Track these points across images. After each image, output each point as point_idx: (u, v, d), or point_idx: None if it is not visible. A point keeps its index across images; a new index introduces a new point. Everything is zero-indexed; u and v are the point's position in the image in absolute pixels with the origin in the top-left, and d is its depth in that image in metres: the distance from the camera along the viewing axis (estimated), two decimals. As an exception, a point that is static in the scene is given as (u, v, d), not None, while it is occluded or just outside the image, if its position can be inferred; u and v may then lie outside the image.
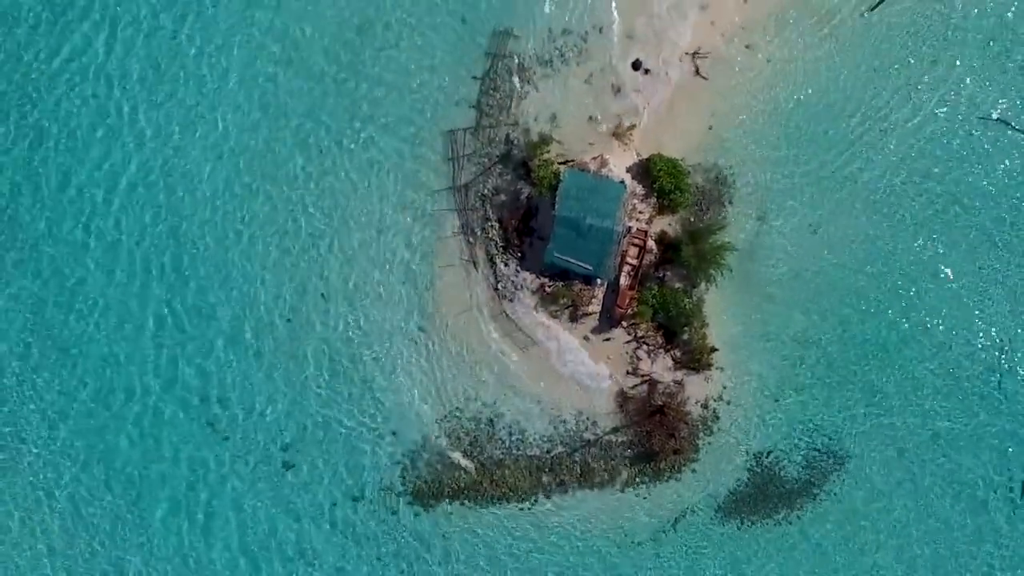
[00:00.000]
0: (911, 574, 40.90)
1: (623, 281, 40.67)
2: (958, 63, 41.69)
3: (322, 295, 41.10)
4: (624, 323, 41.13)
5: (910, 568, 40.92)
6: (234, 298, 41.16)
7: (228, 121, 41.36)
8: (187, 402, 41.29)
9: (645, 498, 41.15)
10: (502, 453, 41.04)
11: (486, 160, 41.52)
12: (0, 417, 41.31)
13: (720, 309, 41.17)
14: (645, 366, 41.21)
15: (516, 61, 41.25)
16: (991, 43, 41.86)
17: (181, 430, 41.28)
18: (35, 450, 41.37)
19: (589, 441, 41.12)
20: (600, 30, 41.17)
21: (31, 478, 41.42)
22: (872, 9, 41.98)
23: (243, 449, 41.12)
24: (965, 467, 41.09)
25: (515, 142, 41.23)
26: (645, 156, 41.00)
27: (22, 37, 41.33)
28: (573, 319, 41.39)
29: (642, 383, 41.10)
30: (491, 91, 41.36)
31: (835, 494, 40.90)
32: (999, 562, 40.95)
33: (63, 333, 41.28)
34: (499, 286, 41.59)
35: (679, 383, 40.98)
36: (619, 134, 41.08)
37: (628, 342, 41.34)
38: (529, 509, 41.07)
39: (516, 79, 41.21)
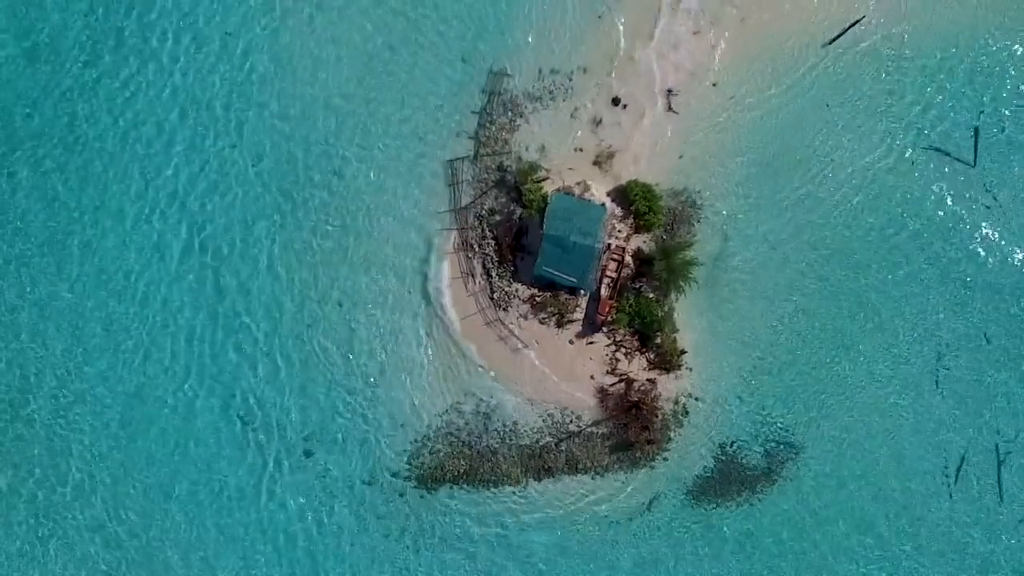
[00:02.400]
0: (850, 551, 45.30)
1: (603, 292, 44.68)
2: (904, 98, 46.09)
3: (339, 303, 45.62)
4: (604, 329, 45.19)
5: (855, 547, 45.37)
6: (264, 306, 45.50)
7: (256, 143, 46.01)
8: (220, 398, 45.54)
9: (623, 483, 45.42)
10: (497, 443, 45.19)
11: (483, 185, 45.62)
12: (46, 400, 45.89)
13: (689, 316, 45.33)
14: (623, 366, 45.30)
15: (510, 97, 45.45)
16: (937, 75, 46.19)
17: (214, 423, 45.55)
18: (76, 434, 45.84)
19: (573, 432, 45.28)
20: (584, 70, 45.51)
21: (77, 464, 45.82)
22: (831, 43, 46.17)
23: (268, 439, 45.38)
24: (904, 453, 45.40)
25: (508, 169, 45.31)
26: (623, 182, 44.95)
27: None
28: (559, 325, 45.31)
29: (620, 381, 45.08)
30: (488, 124, 45.54)
31: (789, 479, 45.36)
32: (935, 541, 45.48)
33: (111, 330, 45.78)
34: (494, 296, 45.59)
35: (652, 381, 44.97)
36: (600, 162, 45.22)
37: (608, 345, 45.44)
38: (520, 492, 45.29)
39: (509, 113, 45.49)
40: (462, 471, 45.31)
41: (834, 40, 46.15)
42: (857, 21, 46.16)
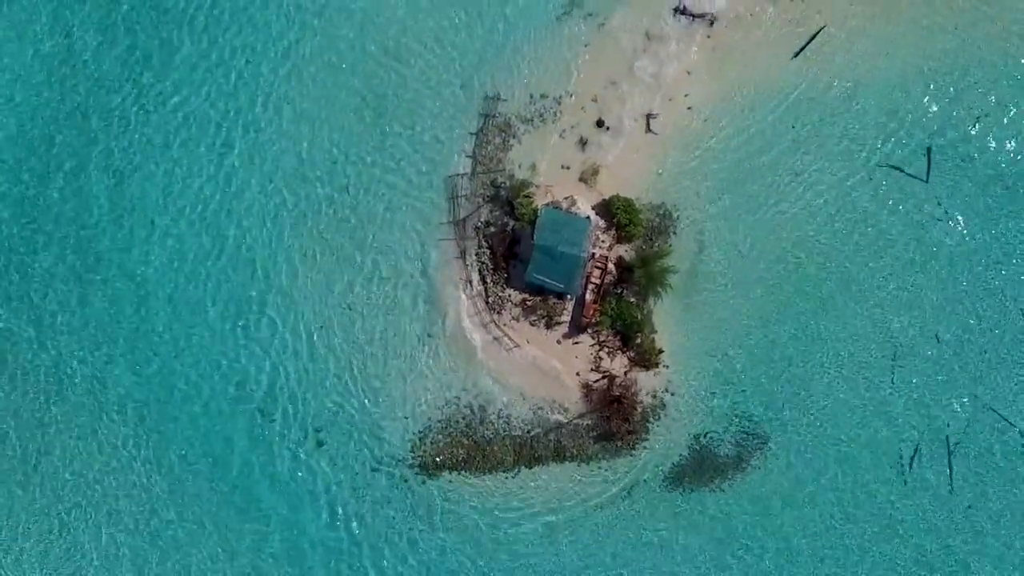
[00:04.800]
0: (815, 533, 49.24)
1: (588, 296, 48.30)
2: (863, 117, 49.98)
3: (348, 307, 49.69)
4: (589, 330, 48.89)
5: (818, 530, 49.32)
6: (282, 309, 49.58)
7: (274, 159, 50.35)
8: (242, 393, 49.59)
9: (606, 470, 49.19)
10: (492, 434, 49.00)
11: (479, 199, 49.43)
12: (81, 398, 50.21)
13: (666, 319, 49.10)
14: (605, 364, 48.99)
15: (504, 120, 49.46)
16: (893, 97, 50.10)
17: (236, 415, 49.54)
18: (106, 430, 50.05)
19: (561, 424, 48.95)
20: (572, 95, 49.47)
21: (103, 458, 49.96)
22: (796, 55, 49.94)
23: (285, 430, 49.40)
24: (863, 443, 49.28)
25: (502, 185, 49.09)
26: (606, 196, 48.62)
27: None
28: (548, 327, 49.03)
29: (603, 378, 48.75)
30: (484, 144, 49.37)
31: (758, 467, 49.25)
32: (894, 522, 49.32)
33: (139, 333, 50.05)
34: (489, 300, 49.31)
35: (633, 378, 48.70)
36: (586, 179, 48.96)
37: (592, 345, 49.15)
38: (513, 478, 49.12)
39: (503, 134, 49.52)
40: (460, 459, 49.03)
41: (799, 52, 49.88)
42: (818, 32, 49.97)
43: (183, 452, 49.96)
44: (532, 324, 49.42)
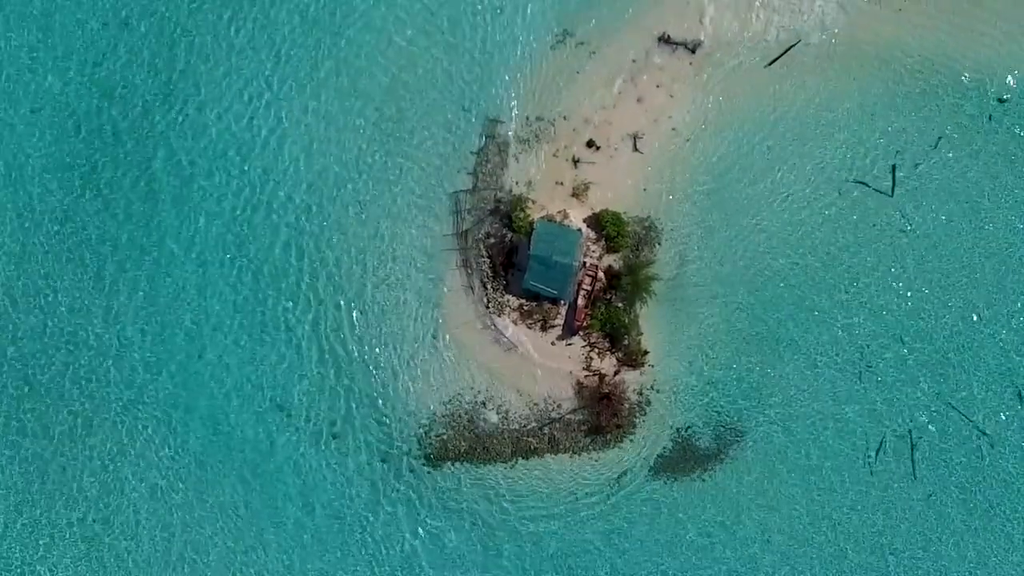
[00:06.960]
0: (789, 518, 53.04)
1: (580, 302, 51.61)
2: (832, 140, 53.65)
3: (361, 311, 53.00)
4: (580, 332, 52.20)
5: (792, 517, 53.09)
6: (299, 315, 52.74)
7: (292, 176, 53.65)
8: (260, 389, 52.60)
9: (596, 461, 52.66)
10: (491, 428, 52.33)
11: (480, 213, 52.61)
12: (116, 403, 53.30)
13: (651, 322, 52.66)
14: (596, 364, 52.25)
15: (503, 140, 52.92)
16: (861, 117, 53.70)
17: (254, 409, 52.63)
18: (128, 423, 52.99)
19: (555, 419, 52.24)
20: (565, 117, 52.96)
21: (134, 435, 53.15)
22: (770, 64, 53.43)
23: (303, 425, 52.60)
24: (832, 437, 53.04)
25: (501, 200, 52.43)
26: (596, 210, 52.01)
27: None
28: (543, 329, 52.32)
29: (593, 376, 52.00)
30: (484, 162, 52.61)
31: (736, 459, 52.95)
32: (860, 509, 53.26)
33: (165, 330, 53.28)
34: (489, 305, 52.52)
35: (621, 376, 52.15)
36: (577, 194, 52.35)
37: (583, 346, 52.44)
38: (511, 469, 52.60)
39: (502, 153, 52.96)
40: (462, 451, 52.29)
41: (772, 62, 53.23)
42: (792, 46, 53.50)
43: (202, 444, 52.87)
44: (528, 327, 52.76)
